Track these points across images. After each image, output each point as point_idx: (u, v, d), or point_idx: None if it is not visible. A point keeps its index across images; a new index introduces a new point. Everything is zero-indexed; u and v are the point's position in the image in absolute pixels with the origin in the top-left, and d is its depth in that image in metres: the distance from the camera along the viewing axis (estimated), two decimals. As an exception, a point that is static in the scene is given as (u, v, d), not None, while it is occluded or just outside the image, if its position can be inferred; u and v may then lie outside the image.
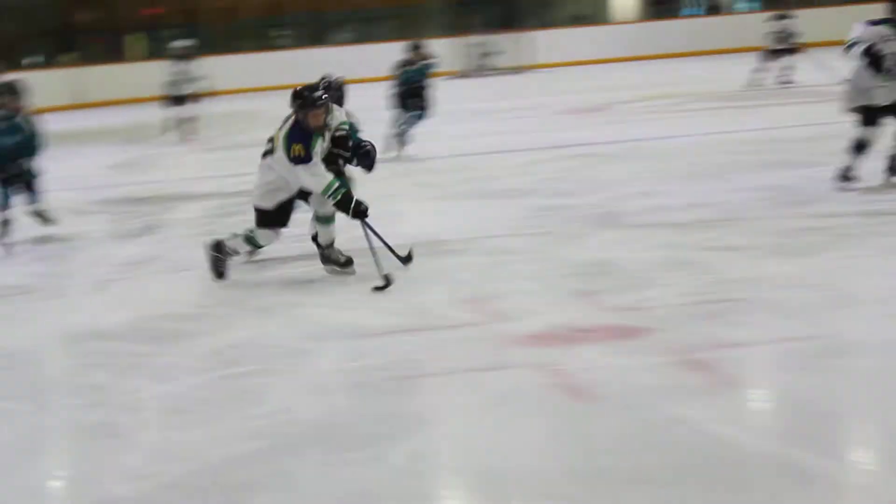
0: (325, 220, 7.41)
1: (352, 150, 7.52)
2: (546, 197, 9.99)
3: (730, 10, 33.76)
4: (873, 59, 9.00)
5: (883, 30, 9.14)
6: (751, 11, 31.18)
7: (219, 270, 7.49)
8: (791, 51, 19.26)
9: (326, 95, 7.15)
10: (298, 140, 6.96)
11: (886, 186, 9.15)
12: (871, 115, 9.13)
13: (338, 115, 7.53)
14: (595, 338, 5.65)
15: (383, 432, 4.58)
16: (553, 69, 29.05)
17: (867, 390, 4.78)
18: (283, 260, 7.97)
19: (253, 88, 27.95)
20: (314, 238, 7.61)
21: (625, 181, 10.52)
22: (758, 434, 4.38)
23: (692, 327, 5.72)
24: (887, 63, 9.01)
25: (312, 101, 6.97)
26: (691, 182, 10.20)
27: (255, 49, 31.03)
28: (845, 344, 5.34)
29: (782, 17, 19.51)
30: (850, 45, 9.21)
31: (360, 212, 7.00)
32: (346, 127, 7.55)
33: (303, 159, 6.90)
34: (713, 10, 34.22)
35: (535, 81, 26.55)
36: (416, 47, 13.75)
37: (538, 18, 31.80)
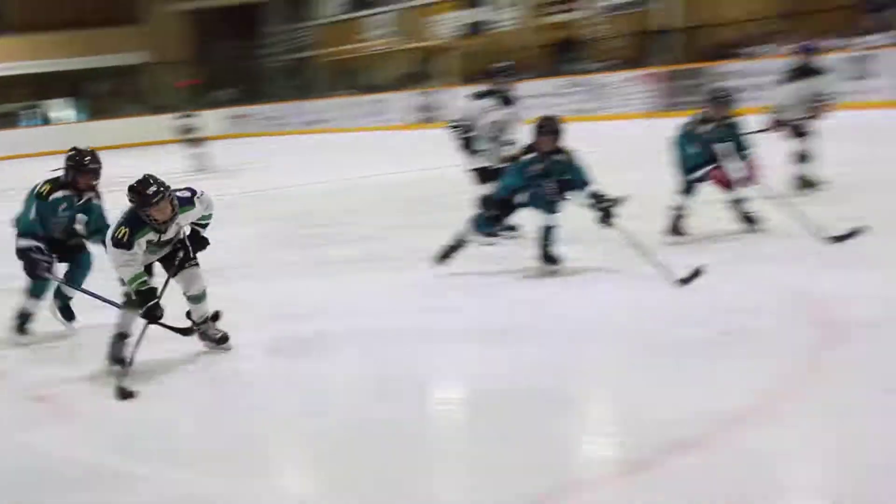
0: (195, 298, 7.19)
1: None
2: None
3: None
4: (465, 140, 10.22)
5: (485, 103, 10.23)
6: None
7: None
8: (196, 142, 23.41)
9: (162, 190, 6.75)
10: (127, 225, 6.71)
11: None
12: (486, 175, 10.17)
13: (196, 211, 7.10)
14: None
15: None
16: None
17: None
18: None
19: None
20: (188, 315, 7.29)
21: None
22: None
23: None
24: (478, 143, 10.20)
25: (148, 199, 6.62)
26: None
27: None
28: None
29: (188, 116, 23.77)
30: (455, 125, 10.37)
31: (151, 314, 6.75)
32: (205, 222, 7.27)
33: (123, 244, 6.67)
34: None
35: None
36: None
37: None
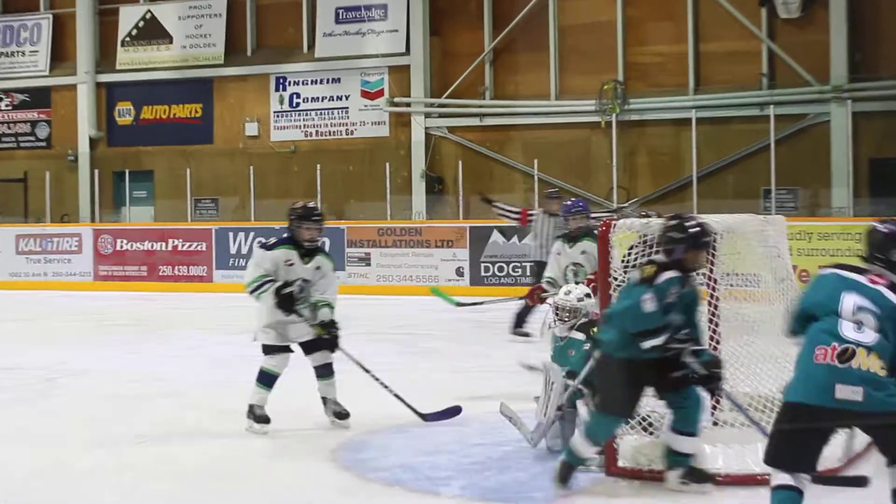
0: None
1: None
2: None
3: None
4: (282, 298, 8.28)
5: (281, 253, 8.44)
6: None
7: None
8: None
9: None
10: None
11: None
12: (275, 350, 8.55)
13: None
14: None
15: None
16: None
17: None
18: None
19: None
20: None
21: None
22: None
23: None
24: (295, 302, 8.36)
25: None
26: None
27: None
28: None
29: None
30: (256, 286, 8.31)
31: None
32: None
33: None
34: None
35: None
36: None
37: None
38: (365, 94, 24.68)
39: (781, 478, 5.25)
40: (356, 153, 24.60)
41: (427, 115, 24.16)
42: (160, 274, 22.86)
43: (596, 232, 8.07)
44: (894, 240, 5.41)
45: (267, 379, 8.50)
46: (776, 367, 7.50)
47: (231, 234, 22.46)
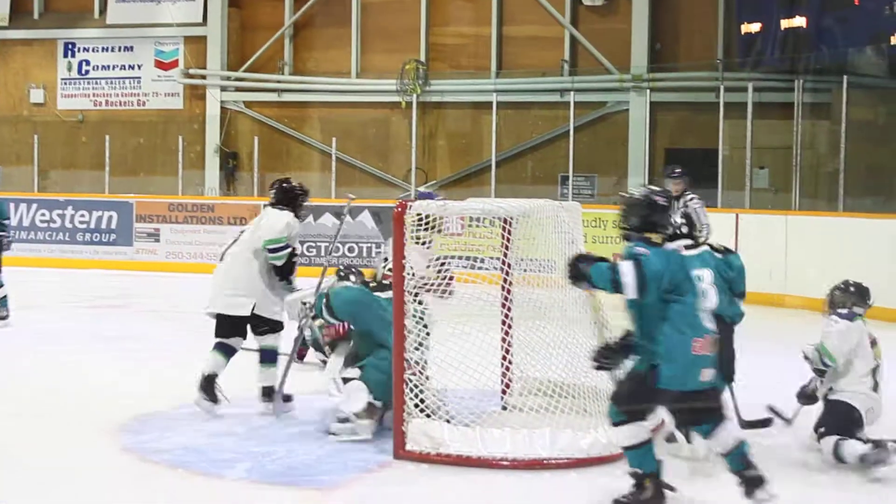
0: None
1: None
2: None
3: None
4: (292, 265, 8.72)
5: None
6: None
7: None
8: None
9: None
10: None
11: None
12: None
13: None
14: None
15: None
16: None
17: None
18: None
19: None
20: None
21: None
22: None
23: None
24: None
25: None
26: None
27: None
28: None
29: None
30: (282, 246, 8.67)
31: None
32: None
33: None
34: None
35: None
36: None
37: None
38: (159, 65, 24.24)
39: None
40: (148, 125, 24.15)
41: (223, 89, 23.87)
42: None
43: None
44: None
45: (275, 357, 8.65)
46: (566, 353, 7.70)
47: (11, 206, 21.82)
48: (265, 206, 9.00)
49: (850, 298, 7.51)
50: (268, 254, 8.46)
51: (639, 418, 6.05)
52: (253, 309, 8.45)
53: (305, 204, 8.97)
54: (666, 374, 5.91)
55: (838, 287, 7.59)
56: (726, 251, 7.69)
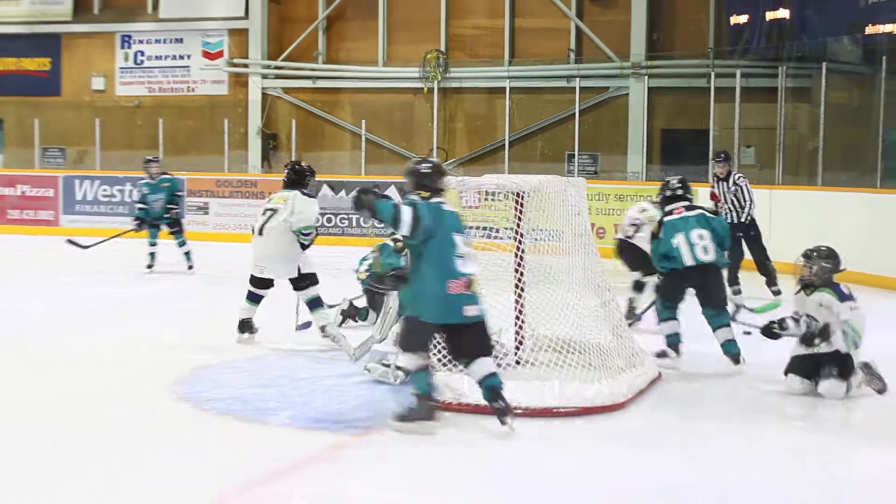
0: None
1: None
2: None
3: None
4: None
5: None
6: None
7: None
8: None
9: None
10: None
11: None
12: None
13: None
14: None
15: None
16: None
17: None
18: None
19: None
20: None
21: None
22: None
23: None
24: None
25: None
26: None
27: None
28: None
29: None
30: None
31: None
32: None
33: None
34: None
35: None
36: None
37: None
38: (206, 55, 24.30)
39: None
40: (196, 110, 24.21)
41: (264, 77, 23.92)
42: (8, 217, 22.22)
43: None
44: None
45: (321, 301, 9.39)
46: (573, 313, 7.76)
47: (77, 182, 21.95)
48: (285, 184, 9.61)
49: (835, 269, 7.56)
50: (301, 237, 9.28)
51: (418, 349, 6.58)
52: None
53: (313, 181, 9.70)
54: (426, 310, 6.51)
55: (824, 259, 7.59)
56: (716, 214, 9.17)
